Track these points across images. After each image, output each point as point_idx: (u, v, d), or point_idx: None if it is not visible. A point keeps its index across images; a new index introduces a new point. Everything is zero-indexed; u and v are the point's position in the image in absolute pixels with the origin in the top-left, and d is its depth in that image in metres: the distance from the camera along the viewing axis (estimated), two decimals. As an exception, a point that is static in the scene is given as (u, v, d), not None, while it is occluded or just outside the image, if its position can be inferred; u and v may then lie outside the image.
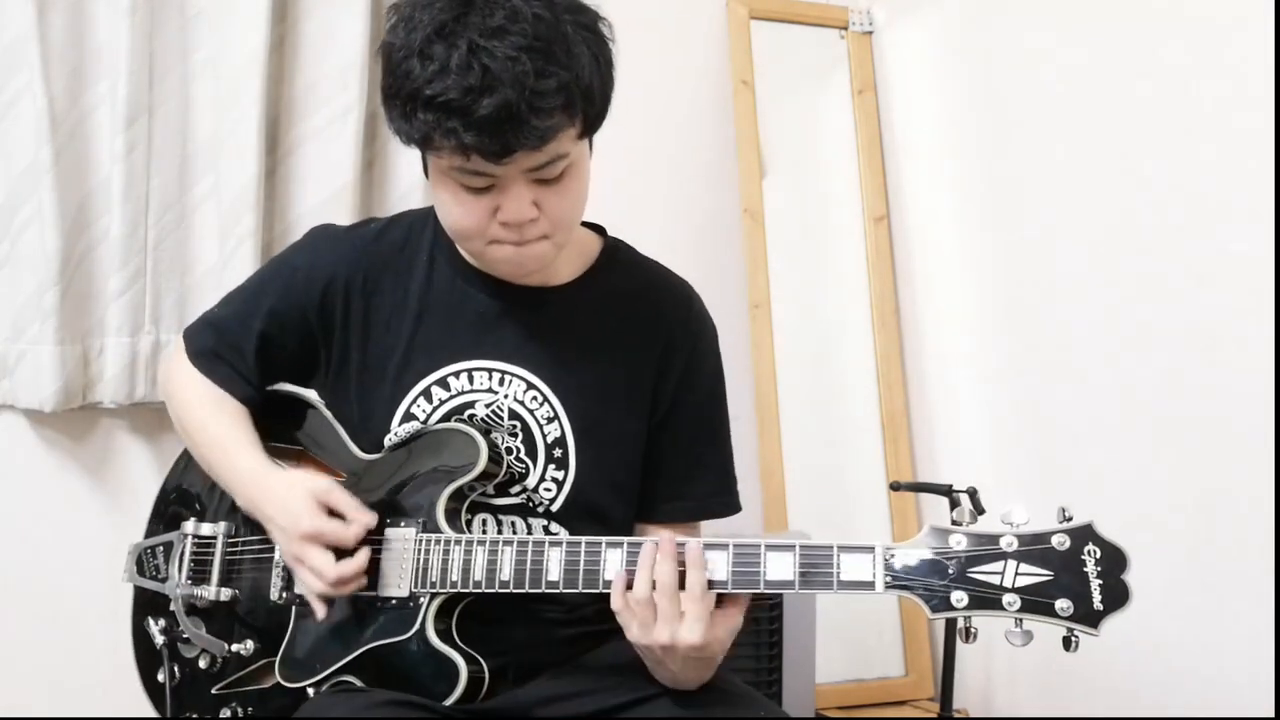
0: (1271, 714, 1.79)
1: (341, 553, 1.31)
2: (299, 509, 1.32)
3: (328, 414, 1.47)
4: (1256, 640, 1.82)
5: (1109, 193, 2.10)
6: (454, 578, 1.29)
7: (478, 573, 1.28)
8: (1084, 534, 1.13)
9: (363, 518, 1.32)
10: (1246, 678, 1.84)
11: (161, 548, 1.51)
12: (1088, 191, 2.15)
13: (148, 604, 1.51)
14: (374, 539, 1.35)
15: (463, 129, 1.17)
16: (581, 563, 1.24)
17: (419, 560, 1.31)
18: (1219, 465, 1.90)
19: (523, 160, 1.21)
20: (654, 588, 1.20)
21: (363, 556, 1.31)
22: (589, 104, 1.24)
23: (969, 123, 2.43)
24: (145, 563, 1.52)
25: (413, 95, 1.19)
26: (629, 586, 1.21)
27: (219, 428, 1.44)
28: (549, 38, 1.19)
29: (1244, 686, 1.85)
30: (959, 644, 2.05)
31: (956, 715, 2.15)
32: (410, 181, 2.21)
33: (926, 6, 2.52)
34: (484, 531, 1.38)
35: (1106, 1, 2.12)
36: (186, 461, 1.55)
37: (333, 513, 1.32)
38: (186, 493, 1.55)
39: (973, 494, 1.86)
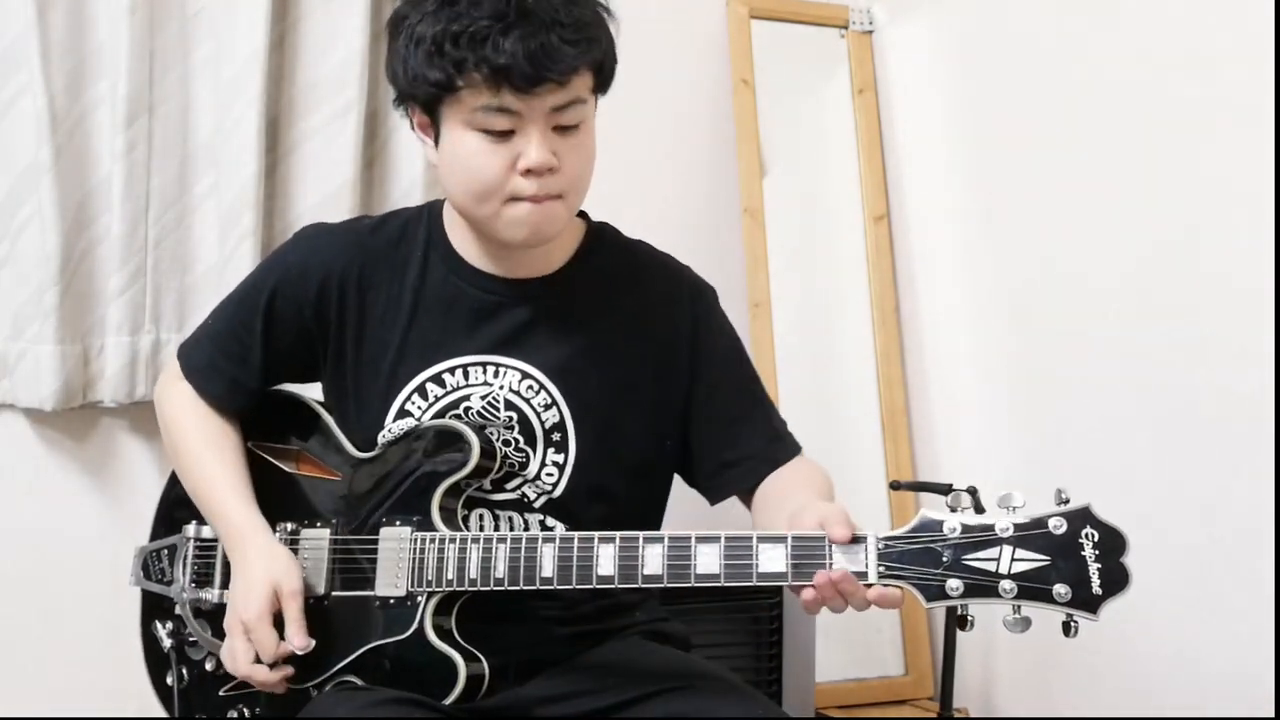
0: (1271, 714, 1.79)
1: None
2: (255, 596, 1.32)
3: (322, 413, 1.48)
4: (1256, 640, 1.82)
5: (1109, 192, 2.10)
6: (449, 576, 1.29)
7: (473, 570, 1.28)
8: (1081, 517, 1.11)
9: (296, 642, 1.31)
10: (1246, 678, 1.84)
11: (166, 551, 1.50)
12: (1087, 191, 2.14)
13: (155, 607, 1.51)
14: (369, 538, 1.35)
15: (494, 53, 1.21)
16: (575, 558, 1.24)
17: (414, 559, 1.31)
18: (1219, 465, 1.90)
19: (548, 97, 1.24)
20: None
21: (276, 674, 1.31)
22: (601, 54, 1.28)
23: (969, 122, 2.43)
24: (151, 566, 1.52)
25: (441, 35, 1.23)
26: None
27: (214, 465, 1.44)
28: None
29: (1244, 686, 1.85)
30: (959, 641, 2.05)
31: (956, 715, 2.15)
32: (410, 180, 2.20)
33: (926, 6, 2.52)
34: (481, 527, 1.38)
35: (1107, 1, 2.12)
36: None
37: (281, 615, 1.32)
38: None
39: (973, 493, 1.86)
